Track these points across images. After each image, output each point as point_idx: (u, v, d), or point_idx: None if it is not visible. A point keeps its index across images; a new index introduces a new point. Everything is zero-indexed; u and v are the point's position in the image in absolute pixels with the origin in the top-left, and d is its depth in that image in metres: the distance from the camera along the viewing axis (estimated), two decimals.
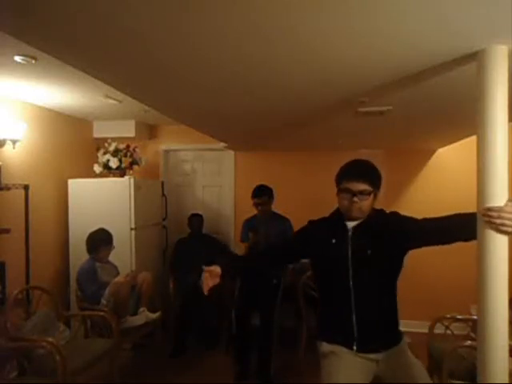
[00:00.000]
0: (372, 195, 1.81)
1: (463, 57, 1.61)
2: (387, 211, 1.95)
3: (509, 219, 1.38)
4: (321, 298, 2.00)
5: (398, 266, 1.87)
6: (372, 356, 1.82)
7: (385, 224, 1.86)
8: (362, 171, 1.85)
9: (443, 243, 1.75)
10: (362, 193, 1.78)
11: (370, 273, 1.81)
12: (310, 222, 2.04)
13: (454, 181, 4.48)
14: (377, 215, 1.89)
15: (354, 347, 1.81)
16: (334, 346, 1.85)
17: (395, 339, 1.88)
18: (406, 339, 1.93)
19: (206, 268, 1.92)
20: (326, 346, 1.88)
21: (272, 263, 2.27)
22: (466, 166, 4.22)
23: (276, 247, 2.21)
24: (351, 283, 1.80)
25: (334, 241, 1.86)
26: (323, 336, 1.92)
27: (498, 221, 1.39)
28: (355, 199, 1.78)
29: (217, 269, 1.90)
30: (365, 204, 1.80)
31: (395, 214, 1.91)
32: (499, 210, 1.39)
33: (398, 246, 1.83)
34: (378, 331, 1.84)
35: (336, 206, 1.92)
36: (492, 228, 1.41)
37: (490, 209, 1.41)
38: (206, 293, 1.89)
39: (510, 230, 1.39)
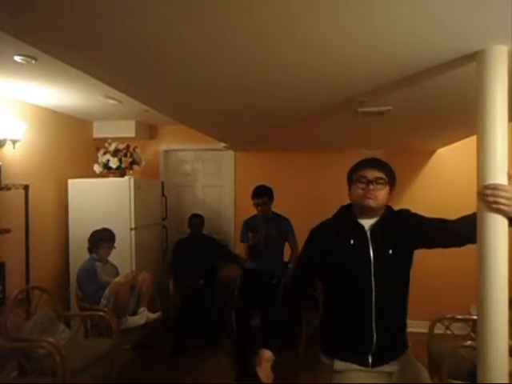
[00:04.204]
0: (387, 187, 1.74)
1: (463, 57, 1.61)
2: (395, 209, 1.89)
3: (502, 197, 1.37)
4: (334, 307, 1.84)
5: (410, 266, 1.80)
6: (386, 368, 1.74)
7: (399, 222, 1.78)
8: (376, 161, 1.80)
9: (455, 245, 1.69)
10: (377, 181, 1.71)
11: (391, 275, 1.72)
12: (313, 231, 1.89)
13: (454, 181, 4.48)
14: (390, 213, 1.81)
15: (370, 360, 1.71)
16: (348, 364, 1.74)
17: (404, 346, 1.81)
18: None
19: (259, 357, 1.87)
20: (339, 364, 1.75)
21: (302, 292, 2.00)
22: (465, 166, 4.22)
23: (298, 279, 1.96)
24: (373, 287, 1.69)
25: (352, 242, 1.74)
26: (334, 352, 1.78)
27: (491, 198, 1.38)
28: (371, 187, 1.70)
29: (267, 353, 1.88)
30: (380, 193, 1.71)
31: (407, 212, 1.83)
32: (494, 187, 1.39)
33: (411, 245, 1.77)
34: (393, 340, 1.76)
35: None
36: (486, 206, 1.40)
37: (485, 187, 1.41)
38: (265, 381, 1.86)
39: (501, 207, 1.38)
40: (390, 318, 1.73)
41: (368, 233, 1.75)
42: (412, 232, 1.74)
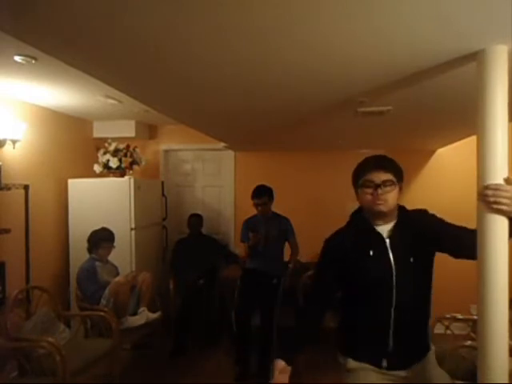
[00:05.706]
0: (397, 188, 1.65)
1: (463, 57, 1.61)
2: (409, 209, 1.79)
3: (503, 197, 1.36)
4: (352, 310, 1.78)
5: (432, 270, 1.75)
6: (401, 373, 1.68)
7: (416, 224, 1.69)
8: (382, 161, 1.70)
9: (467, 257, 1.57)
10: (385, 184, 1.61)
11: (414, 285, 1.66)
12: (328, 241, 1.79)
13: (454, 181, 4.48)
14: (405, 214, 1.72)
15: (385, 364, 1.67)
16: (361, 364, 1.71)
17: (425, 350, 1.75)
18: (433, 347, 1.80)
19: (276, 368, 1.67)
20: (352, 363, 1.73)
21: (325, 306, 1.84)
22: (465, 166, 4.21)
23: (318, 295, 1.83)
24: (394, 299, 1.63)
25: (371, 253, 1.66)
26: (349, 351, 1.75)
27: (492, 199, 1.37)
28: (379, 191, 1.60)
29: (280, 364, 1.67)
30: (390, 196, 1.62)
31: (425, 213, 1.73)
32: (495, 187, 1.38)
33: (429, 249, 1.70)
34: (412, 346, 1.71)
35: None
36: (487, 207, 1.40)
37: (486, 187, 1.39)
38: None
39: (503, 208, 1.37)
40: (408, 327, 1.68)
41: (387, 241, 1.67)
42: (429, 236, 1.66)
